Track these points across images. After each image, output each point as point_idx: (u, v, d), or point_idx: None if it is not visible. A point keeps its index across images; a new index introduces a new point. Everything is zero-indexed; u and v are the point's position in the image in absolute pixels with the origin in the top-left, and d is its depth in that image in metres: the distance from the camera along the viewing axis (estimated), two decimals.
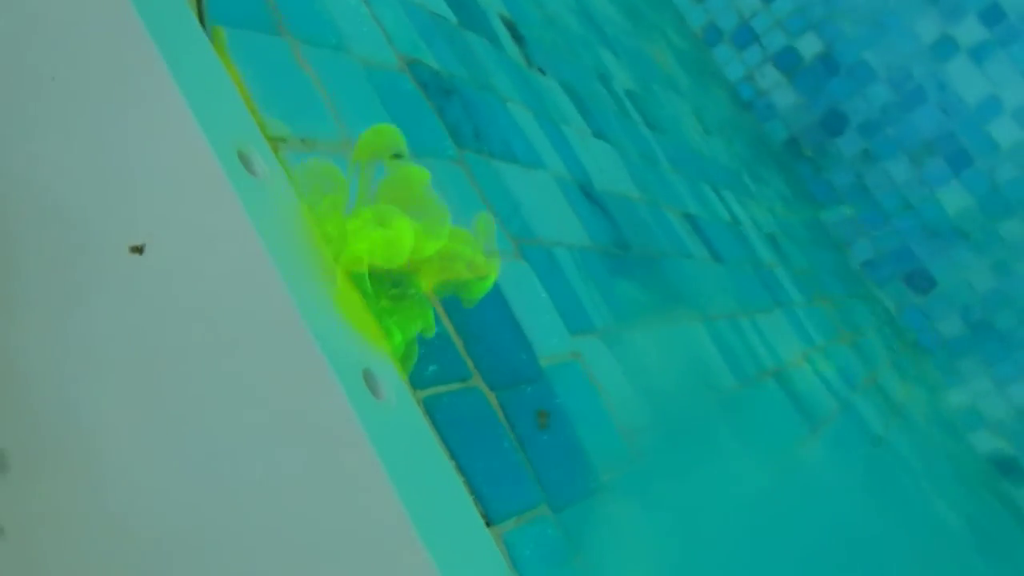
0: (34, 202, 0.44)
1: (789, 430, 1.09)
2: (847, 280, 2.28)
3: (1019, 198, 2.45)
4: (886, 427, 1.60)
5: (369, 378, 0.42)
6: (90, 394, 0.43)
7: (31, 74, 0.44)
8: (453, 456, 0.46)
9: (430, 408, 0.46)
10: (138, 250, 0.42)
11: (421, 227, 0.48)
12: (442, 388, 0.48)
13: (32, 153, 0.44)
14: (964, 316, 2.51)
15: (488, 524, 0.45)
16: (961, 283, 2.51)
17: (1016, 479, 2.41)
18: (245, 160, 0.42)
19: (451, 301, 0.53)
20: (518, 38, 0.89)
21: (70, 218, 0.43)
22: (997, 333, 2.47)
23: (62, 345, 0.43)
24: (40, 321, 0.43)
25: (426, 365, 0.48)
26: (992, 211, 2.47)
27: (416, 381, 0.47)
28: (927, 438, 1.90)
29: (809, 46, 2.56)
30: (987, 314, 2.47)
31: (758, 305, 1.19)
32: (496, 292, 0.56)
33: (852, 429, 1.40)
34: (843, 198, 2.61)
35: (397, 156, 0.52)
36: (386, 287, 0.50)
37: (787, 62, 2.59)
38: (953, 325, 2.53)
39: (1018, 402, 2.43)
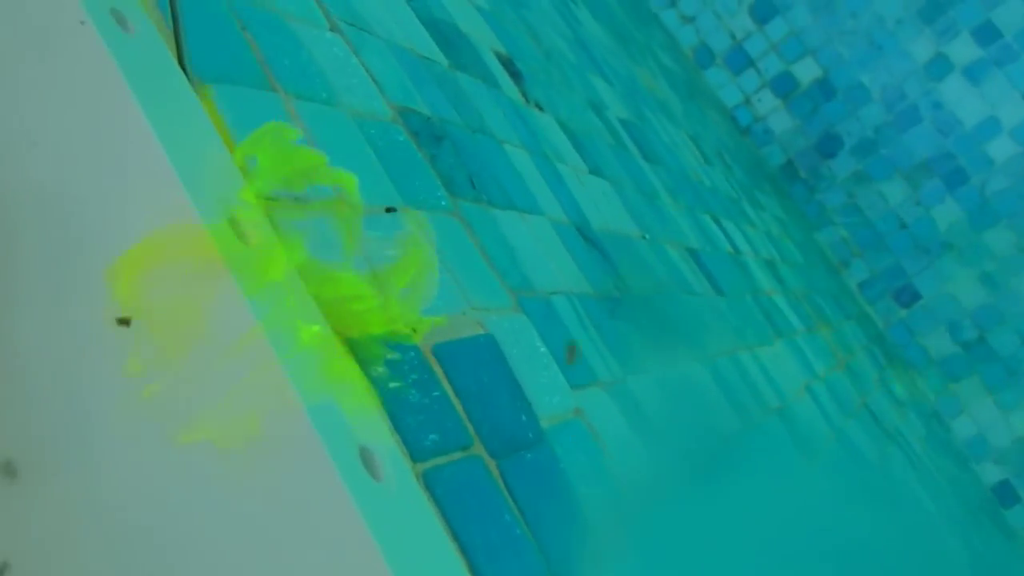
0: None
1: (790, 466, 1.07)
2: (843, 301, 2.26)
3: (1007, 209, 2.44)
4: (881, 454, 1.58)
5: (366, 457, 0.40)
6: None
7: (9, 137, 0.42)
8: (455, 535, 0.43)
9: (430, 482, 0.44)
10: (125, 323, 0.40)
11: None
12: (442, 459, 0.46)
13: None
14: (952, 332, 2.50)
15: None
16: (945, 296, 2.50)
17: (1015, 506, 2.39)
18: (237, 228, 0.40)
19: (449, 360, 0.51)
20: (515, 74, 0.87)
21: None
22: (990, 350, 2.45)
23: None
24: None
25: (426, 433, 0.46)
26: (979, 223, 2.46)
27: (416, 453, 0.44)
28: (923, 462, 1.88)
29: (807, 71, 2.56)
30: (980, 332, 2.46)
31: (760, 338, 1.17)
32: (495, 350, 0.54)
33: (849, 457, 1.38)
34: (837, 219, 2.60)
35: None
36: (382, 351, 0.47)
37: (784, 87, 2.58)
38: (941, 340, 2.51)
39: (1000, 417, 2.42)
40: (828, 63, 2.57)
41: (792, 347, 1.33)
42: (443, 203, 0.57)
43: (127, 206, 0.39)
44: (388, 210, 0.52)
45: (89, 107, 0.40)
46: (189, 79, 0.44)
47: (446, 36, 0.77)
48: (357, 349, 0.45)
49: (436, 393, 0.48)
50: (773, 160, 2.66)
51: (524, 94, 0.86)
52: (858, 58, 2.56)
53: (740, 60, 2.62)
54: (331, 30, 0.59)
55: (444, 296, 0.51)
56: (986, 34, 2.43)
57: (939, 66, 2.47)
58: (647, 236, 0.96)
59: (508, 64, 0.88)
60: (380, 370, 0.47)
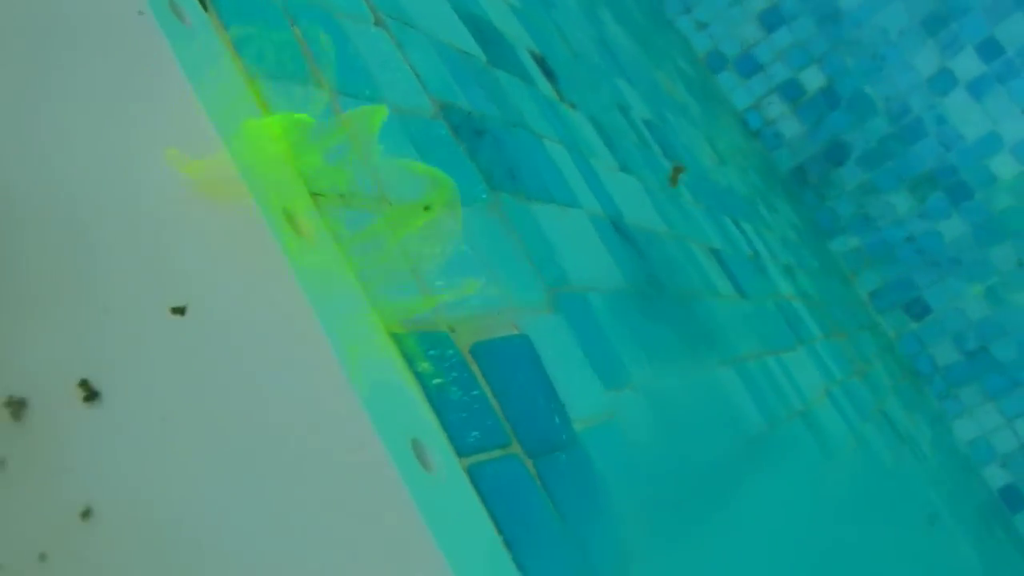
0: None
1: (813, 468, 1.07)
2: (856, 311, 2.26)
3: (1013, 226, 2.44)
4: (896, 458, 1.58)
5: (419, 448, 0.40)
6: None
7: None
8: (499, 529, 0.43)
9: (476, 477, 0.44)
10: (179, 311, 0.40)
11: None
12: (484, 456, 0.46)
13: None
14: (958, 343, 2.50)
15: None
16: (953, 310, 2.50)
17: (1022, 511, 2.38)
18: (292, 220, 0.39)
19: (486, 360, 0.51)
20: (549, 73, 0.87)
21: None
22: (996, 363, 2.45)
23: None
24: None
25: (469, 430, 0.46)
26: (984, 238, 2.46)
27: (460, 448, 0.44)
28: (934, 468, 1.88)
29: (812, 79, 2.56)
30: (984, 342, 2.45)
31: (783, 343, 1.17)
32: (530, 350, 0.54)
33: (867, 460, 1.37)
34: (847, 228, 2.60)
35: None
36: (424, 348, 0.47)
37: (791, 93, 2.58)
38: (946, 350, 2.51)
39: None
40: (833, 73, 2.57)
41: (812, 353, 1.32)
42: (483, 196, 0.57)
43: (186, 198, 0.39)
44: (426, 208, 0.52)
45: (147, 97, 0.40)
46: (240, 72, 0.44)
47: (484, 33, 0.77)
48: (402, 344, 0.45)
49: (475, 392, 0.48)
50: (783, 164, 2.66)
51: (558, 92, 0.86)
52: (862, 69, 2.56)
53: (749, 65, 2.62)
54: (376, 24, 0.58)
55: (481, 293, 0.51)
56: (989, 49, 2.43)
57: (943, 80, 2.47)
58: (674, 233, 0.95)
59: (541, 63, 0.88)
60: (424, 365, 0.46)
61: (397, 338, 0.45)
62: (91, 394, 0.39)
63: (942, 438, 2.25)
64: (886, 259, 2.57)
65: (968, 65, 2.44)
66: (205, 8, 0.47)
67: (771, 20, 2.59)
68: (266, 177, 0.40)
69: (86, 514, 0.38)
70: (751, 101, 2.62)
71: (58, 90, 0.41)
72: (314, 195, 0.44)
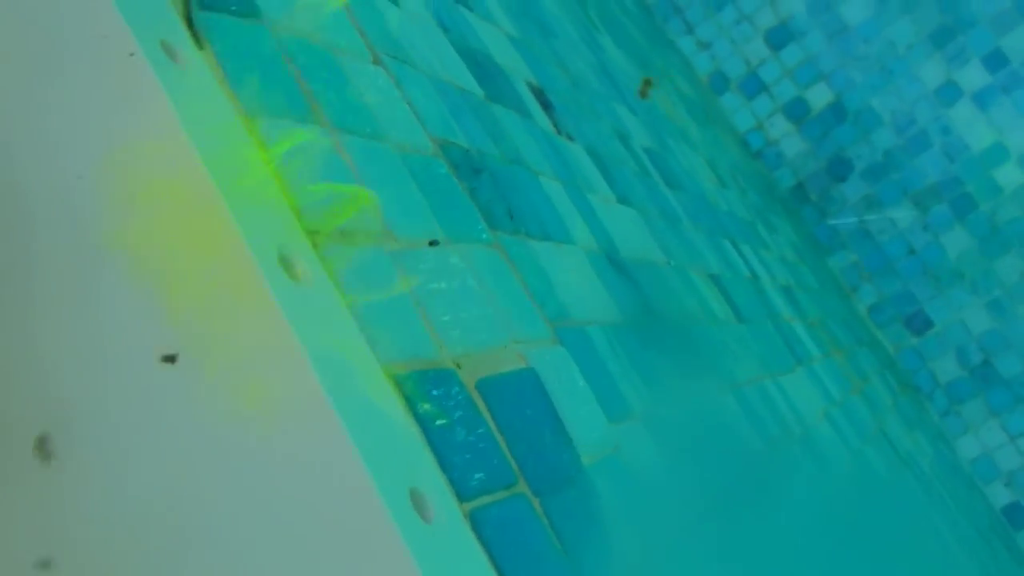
0: None
1: (812, 491, 1.07)
2: (854, 326, 2.26)
3: (1018, 237, 2.44)
4: (896, 478, 1.58)
5: (416, 497, 0.40)
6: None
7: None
8: (502, 574, 0.43)
9: (477, 523, 0.44)
10: (170, 359, 0.40)
11: None
12: (488, 498, 0.45)
13: None
14: (959, 357, 2.49)
15: None
16: (956, 323, 2.49)
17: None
18: (287, 264, 0.40)
19: (493, 396, 0.51)
20: (546, 105, 0.87)
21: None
22: (1000, 379, 2.44)
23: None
24: None
25: (472, 472, 0.46)
26: (989, 251, 2.46)
27: (462, 493, 0.44)
28: (935, 487, 1.87)
29: (819, 96, 2.56)
30: (987, 356, 2.45)
31: (781, 365, 1.16)
32: (537, 384, 0.54)
33: (867, 481, 1.37)
34: (847, 243, 2.60)
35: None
36: (427, 387, 0.47)
37: (797, 112, 2.59)
38: (948, 365, 2.51)
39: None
40: (840, 88, 2.58)
41: (810, 374, 1.32)
42: (484, 236, 0.57)
43: (177, 241, 0.39)
44: (431, 243, 0.52)
45: (138, 140, 0.40)
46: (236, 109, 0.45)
47: (481, 67, 0.77)
48: (403, 385, 0.45)
49: (481, 430, 0.48)
50: (784, 183, 2.67)
51: (555, 125, 0.87)
52: (870, 83, 2.57)
53: (754, 86, 2.63)
54: (374, 63, 0.59)
55: (487, 328, 0.51)
56: (995, 61, 2.44)
57: (949, 92, 2.48)
58: (672, 263, 0.96)
59: (539, 95, 0.88)
60: (426, 407, 0.46)
61: (399, 380, 0.45)
62: (45, 454, 0.39)
63: (944, 457, 2.24)
64: (886, 273, 2.57)
65: (974, 76, 2.45)
66: (200, 46, 0.47)
67: (779, 37, 2.60)
68: (260, 218, 0.40)
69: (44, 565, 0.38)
70: (754, 122, 2.62)
71: (43, 138, 0.41)
72: (311, 234, 0.44)
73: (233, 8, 0.49)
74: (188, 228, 0.39)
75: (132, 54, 0.39)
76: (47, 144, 0.40)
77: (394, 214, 0.50)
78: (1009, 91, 2.47)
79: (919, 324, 2.53)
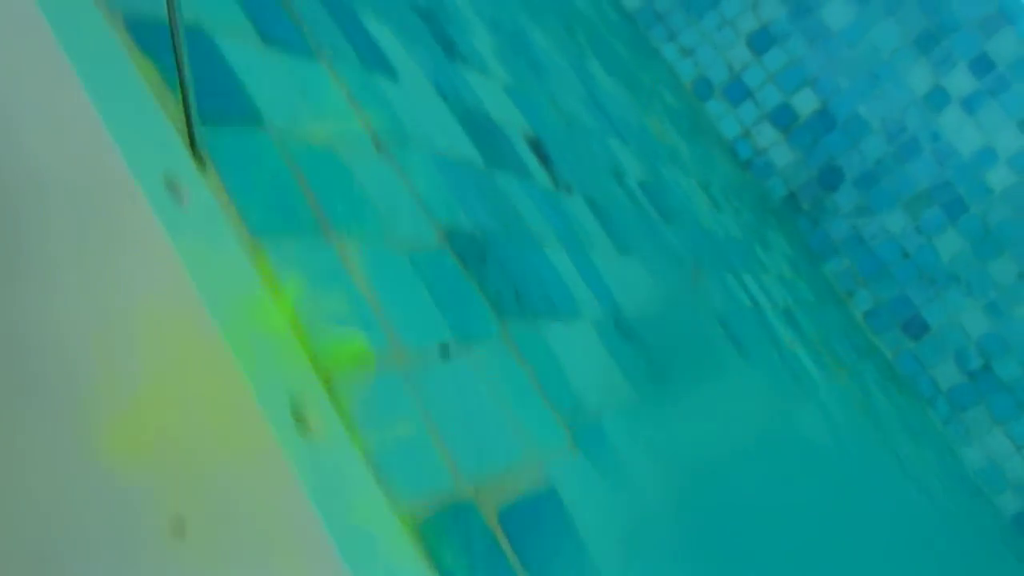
0: None
1: (828, 519, 1.06)
2: (853, 336, 2.25)
3: (1010, 238, 2.44)
4: (904, 497, 1.57)
5: None
6: None
7: None
8: None
9: None
10: (179, 530, 0.37)
11: None
12: None
13: None
14: (959, 361, 2.49)
15: None
16: (954, 327, 2.49)
17: None
18: (299, 416, 0.38)
19: (514, 529, 0.48)
20: (543, 157, 0.86)
21: None
22: (1001, 383, 2.44)
23: None
24: None
25: None
26: (983, 252, 2.46)
27: None
28: (944, 503, 1.87)
29: (805, 102, 2.55)
30: (986, 360, 2.45)
31: (789, 397, 1.15)
32: (557, 505, 0.51)
33: (877, 503, 1.36)
34: (841, 250, 2.60)
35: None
36: (446, 529, 0.45)
37: (783, 119, 2.58)
38: (948, 370, 2.50)
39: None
40: (827, 94, 2.57)
41: (818, 404, 1.31)
42: (493, 329, 0.55)
43: (184, 398, 0.37)
44: (441, 348, 0.50)
45: (142, 291, 0.38)
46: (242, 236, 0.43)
47: (479, 128, 0.75)
48: (424, 535, 0.42)
49: (503, 571, 0.46)
50: (775, 193, 2.66)
51: (554, 179, 0.85)
52: (857, 89, 2.56)
53: (739, 91, 2.61)
54: (377, 150, 0.57)
55: (503, 444, 0.49)
56: (981, 65, 2.44)
57: (937, 97, 2.48)
58: (677, 311, 0.94)
59: (537, 147, 0.86)
60: (448, 555, 0.43)
61: (419, 530, 0.43)
62: None
63: (950, 468, 2.24)
64: (881, 278, 2.56)
65: (961, 81, 2.45)
66: (203, 166, 0.45)
67: (761, 41, 2.59)
68: (270, 366, 0.38)
69: None
70: (740, 130, 2.61)
71: (42, 277, 0.39)
72: (324, 372, 0.42)
73: (235, 118, 0.47)
74: (196, 384, 0.37)
75: (133, 196, 0.37)
76: (44, 293, 0.38)
77: (403, 323, 0.48)
78: (996, 94, 2.47)
79: (916, 328, 2.53)
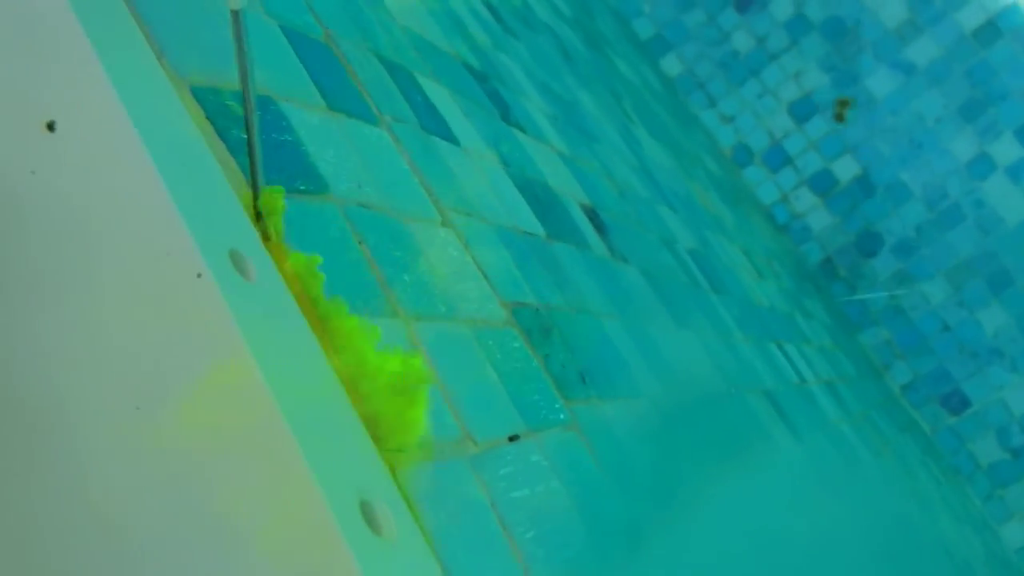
0: None
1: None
2: (891, 409, 2.19)
3: None
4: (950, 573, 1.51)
5: None
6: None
7: None
8: None
9: None
10: None
11: None
12: None
13: None
14: (1001, 439, 2.42)
15: None
16: (996, 403, 2.42)
17: None
18: (369, 514, 0.35)
19: None
20: (600, 227, 0.84)
21: None
22: None
23: None
24: None
25: None
26: None
27: None
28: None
29: (845, 169, 2.53)
30: None
31: (839, 480, 1.11)
32: None
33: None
34: (878, 319, 2.54)
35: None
36: None
37: (823, 184, 2.55)
38: (989, 446, 2.43)
39: None
40: (868, 160, 2.54)
41: (866, 481, 1.27)
42: (561, 416, 0.52)
43: (245, 487, 0.34)
44: (511, 439, 0.47)
45: (204, 372, 0.36)
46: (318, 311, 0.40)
47: (540, 199, 0.73)
48: None
49: None
50: (812, 258, 2.62)
51: (610, 248, 0.83)
52: (898, 156, 2.53)
53: (778, 158, 2.60)
54: (443, 225, 0.55)
55: (573, 541, 0.46)
56: None
57: (982, 165, 2.44)
58: (732, 390, 0.91)
59: (593, 216, 0.84)
60: None
61: None
62: None
63: (989, 545, 2.16)
64: (920, 351, 2.50)
65: (1007, 149, 2.42)
66: (268, 239, 0.43)
67: (803, 110, 2.57)
68: (338, 458, 0.36)
69: None
70: (779, 195, 2.59)
71: (96, 365, 0.37)
72: (392, 454, 0.39)
73: (301, 188, 0.45)
74: (257, 474, 0.34)
75: (199, 275, 0.35)
76: (100, 372, 0.36)
77: (473, 411, 0.45)
78: None
79: (956, 403, 2.46)
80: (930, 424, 2.49)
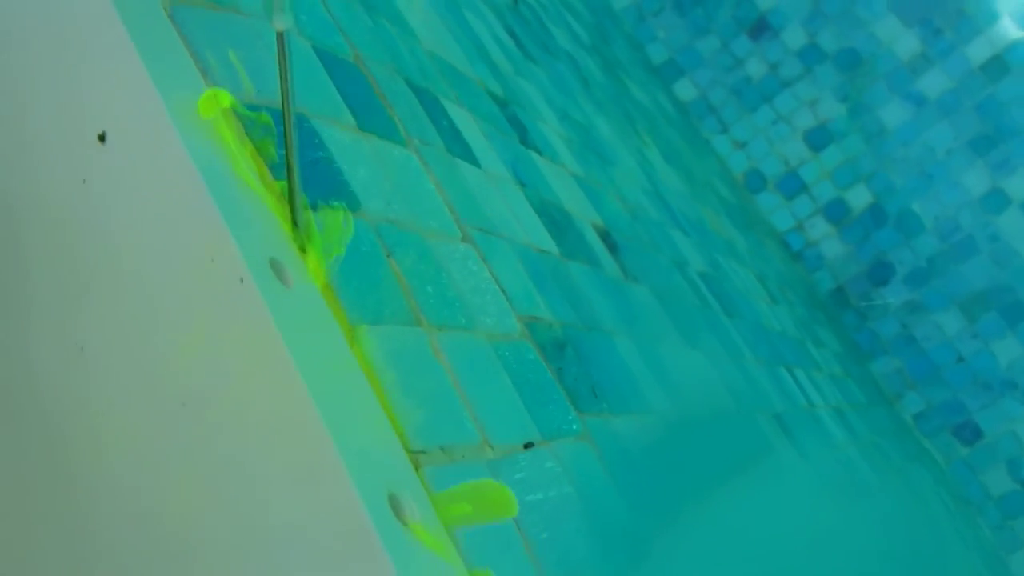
0: None
1: None
2: (903, 439, 2.20)
3: None
4: None
5: None
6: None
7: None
8: None
9: None
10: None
11: None
12: None
13: None
14: (1012, 471, 2.41)
15: None
16: (1007, 434, 2.42)
17: None
18: (396, 506, 0.37)
19: None
20: (612, 246, 0.86)
21: None
22: None
23: None
24: None
25: None
26: None
27: None
28: None
29: (859, 198, 2.55)
30: None
31: (846, 504, 1.12)
32: None
33: None
34: (889, 349, 2.55)
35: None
36: None
37: (836, 213, 2.57)
38: (1000, 477, 2.42)
39: None
40: (879, 190, 2.56)
41: (872, 505, 1.28)
42: (574, 427, 0.54)
43: (287, 486, 0.37)
44: (526, 446, 0.49)
45: (245, 370, 0.38)
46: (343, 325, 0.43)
47: (555, 220, 0.76)
48: None
49: None
50: (823, 286, 2.63)
51: (622, 268, 0.85)
52: (909, 186, 2.55)
53: (794, 185, 2.61)
54: (463, 241, 0.57)
55: (585, 545, 0.48)
56: None
57: (996, 199, 2.45)
58: (741, 410, 0.93)
59: (605, 237, 0.87)
60: None
61: None
62: None
63: (997, 575, 2.15)
64: (933, 381, 2.51)
65: (1022, 185, 2.43)
66: (303, 251, 0.46)
67: (819, 139, 2.59)
68: (368, 454, 0.38)
69: None
70: (793, 223, 2.60)
71: (143, 363, 0.39)
72: (416, 455, 0.41)
73: (334, 204, 0.48)
74: (294, 467, 0.36)
75: (242, 280, 0.38)
76: (148, 369, 0.39)
77: (491, 419, 0.47)
78: None
79: (968, 434, 2.46)
80: (943, 454, 2.49)
